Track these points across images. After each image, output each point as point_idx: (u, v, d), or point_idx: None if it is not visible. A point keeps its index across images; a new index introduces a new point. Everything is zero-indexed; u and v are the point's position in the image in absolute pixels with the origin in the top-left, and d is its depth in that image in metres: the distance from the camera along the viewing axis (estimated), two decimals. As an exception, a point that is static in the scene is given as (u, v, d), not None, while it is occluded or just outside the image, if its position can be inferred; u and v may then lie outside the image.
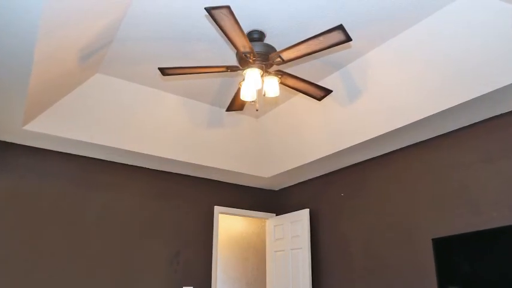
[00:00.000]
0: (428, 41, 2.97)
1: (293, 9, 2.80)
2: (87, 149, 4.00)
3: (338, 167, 4.58)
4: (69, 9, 2.30)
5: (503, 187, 3.12)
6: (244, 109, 3.80)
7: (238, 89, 3.19)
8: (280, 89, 3.53)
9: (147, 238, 4.37)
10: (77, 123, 3.71)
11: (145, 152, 4.07)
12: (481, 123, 3.35)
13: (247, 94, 2.96)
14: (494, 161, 3.21)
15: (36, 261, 3.71)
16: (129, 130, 3.96)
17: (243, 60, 2.87)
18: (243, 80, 2.97)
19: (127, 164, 4.44)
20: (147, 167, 4.54)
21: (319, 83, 3.73)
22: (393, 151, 4.05)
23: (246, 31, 2.99)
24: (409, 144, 3.88)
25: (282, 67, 3.48)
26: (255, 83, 2.89)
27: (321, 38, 2.56)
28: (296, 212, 4.90)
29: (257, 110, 3.29)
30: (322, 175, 4.84)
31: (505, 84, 2.77)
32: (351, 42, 3.02)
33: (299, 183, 5.18)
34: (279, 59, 2.83)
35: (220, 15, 2.36)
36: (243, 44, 2.67)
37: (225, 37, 2.87)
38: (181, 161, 4.32)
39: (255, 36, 3.02)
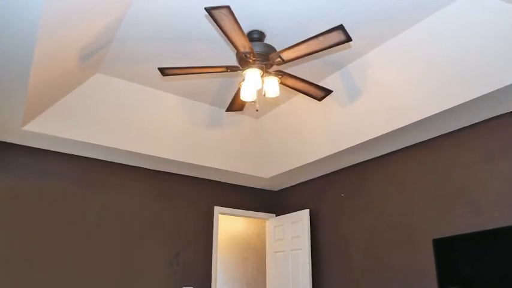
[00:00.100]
0: (429, 41, 2.96)
1: (293, 9, 2.79)
2: (87, 149, 4.00)
3: (338, 168, 4.58)
4: (69, 9, 2.30)
5: (504, 187, 3.11)
6: (244, 109, 3.80)
7: (238, 89, 3.19)
8: (280, 89, 3.53)
9: (147, 238, 4.36)
10: (77, 123, 3.71)
11: (145, 153, 4.07)
12: (482, 124, 3.35)
13: (247, 94, 2.96)
14: (495, 161, 3.21)
15: (36, 261, 3.71)
16: (129, 130, 3.95)
17: (243, 61, 2.87)
18: (243, 80, 2.96)
19: (127, 164, 4.44)
20: (146, 167, 4.54)
21: (319, 83, 3.72)
22: (393, 151, 4.04)
23: (246, 31, 2.98)
24: (409, 144, 3.88)
25: (282, 67, 3.48)
26: (255, 83, 2.88)
27: (321, 38, 2.56)
28: (296, 212, 4.90)
29: (257, 110, 3.29)
30: (322, 175, 4.84)
31: (506, 84, 2.76)
32: (351, 42, 3.02)
33: (299, 183, 5.18)
34: (279, 59, 2.83)
35: (220, 15, 2.36)
36: (243, 44, 2.67)
37: (225, 37, 2.87)
38: (181, 161, 4.32)
39: (255, 36, 3.02)
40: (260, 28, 3.01)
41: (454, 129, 3.52)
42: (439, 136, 3.65)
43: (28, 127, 3.52)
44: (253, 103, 3.08)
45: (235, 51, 3.08)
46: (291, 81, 3.12)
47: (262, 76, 2.94)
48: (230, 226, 6.30)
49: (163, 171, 4.67)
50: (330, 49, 2.96)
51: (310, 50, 2.68)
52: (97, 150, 4.03)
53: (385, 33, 3.07)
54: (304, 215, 4.76)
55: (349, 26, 2.94)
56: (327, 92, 3.24)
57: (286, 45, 3.09)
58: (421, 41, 3.00)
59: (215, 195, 4.99)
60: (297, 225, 4.83)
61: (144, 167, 4.53)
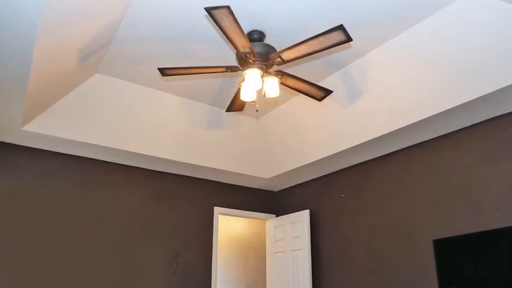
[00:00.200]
0: (429, 41, 2.96)
1: (293, 9, 2.79)
2: (87, 149, 3.99)
3: (338, 168, 4.57)
4: (68, 9, 2.30)
5: (505, 187, 3.11)
6: (244, 109, 3.79)
7: (238, 90, 3.18)
8: (280, 89, 3.52)
9: (147, 239, 4.35)
10: (76, 123, 3.70)
11: (144, 153, 4.06)
12: (482, 124, 3.34)
13: (247, 94, 2.95)
14: (496, 161, 3.20)
15: (35, 261, 3.70)
16: (128, 131, 3.95)
17: (243, 61, 2.86)
18: (243, 80, 2.96)
19: (127, 165, 4.43)
20: (146, 167, 4.53)
21: (319, 83, 3.72)
22: (394, 152, 4.04)
23: (246, 31, 2.98)
24: (409, 144, 3.87)
25: (282, 67, 3.47)
26: (255, 84, 2.88)
27: (321, 38, 2.55)
28: (296, 213, 4.89)
29: (257, 111, 3.28)
30: (323, 176, 4.83)
31: (506, 85, 2.76)
32: (351, 42, 3.01)
33: (299, 184, 5.17)
34: (279, 59, 2.82)
35: (220, 15, 2.35)
36: (243, 44, 2.66)
37: (225, 37, 2.86)
38: (181, 162, 4.31)
39: (255, 37, 3.01)
40: (260, 28, 3.00)
41: (455, 129, 3.52)
42: (440, 136, 3.64)
43: (27, 127, 3.52)
44: (253, 103, 3.08)
45: (235, 51, 3.08)
46: (291, 82, 3.11)
47: (262, 76, 2.94)
48: (230, 226, 6.30)
49: (163, 172, 4.66)
50: (330, 49, 2.95)
51: (310, 50, 2.68)
52: (97, 151, 4.02)
53: (385, 33, 3.07)
54: (304, 215, 4.75)
55: (349, 26, 2.93)
56: (327, 92, 3.23)
57: (286, 45, 3.08)
58: (422, 41, 3.00)
59: (215, 196, 4.99)
60: (297, 226, 4.82)
61: (144, 167, 4.52)
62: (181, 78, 3.75)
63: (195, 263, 4.59)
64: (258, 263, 6.29)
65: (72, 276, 3.84)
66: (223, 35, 2.89)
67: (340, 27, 2.44)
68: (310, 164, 4.36)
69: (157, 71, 3.41)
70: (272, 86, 3.01)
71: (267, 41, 3.10)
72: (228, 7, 2.29)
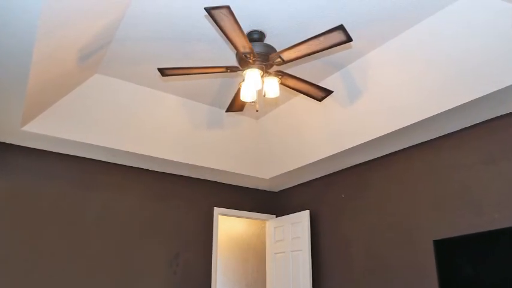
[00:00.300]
0: (429, 41, 2.95)
1: (293, 9, 2.78)
2: (86, 150, 3.98)
3: (338, 168, 4.56)
4: (68, 9, 2.29)
5: (505, 188, 3.10)
6: (244, 110, 3.79)
7: (238, 90, 3.18)
8: (280, 89, 3.52)
9: (147, 239, 4.35)
10: (76, 124, 3.69)
11: (144, 153, 4.06)
12: (483, 124, 3.34)
13: (247, 95, 2.95)
14: (496, 162, 3.19)
15: (35, 261, 3.70)
16: (128, 131, 3.94)
17: (243, 61, 2.86)
18: (243, 80, 2.95)
19: (126, 165, 4.43)
20: (146, 168, 4.53)
21: (319, 84, 3.71)
22: (394, 152, 4.03)
23: (246, 31, 2.97)
24: (410, 145, 3.86)
25: (282, 67, 3.47)
26: (255, 84, 2.87)
27: (321, 38, 2.54)
28: (296, 213, 4.88)
29: (257, 111, 3.27)
30: (323, 176, 4.82)
31: (507, 85, 2.75)
32: (351, 42, 3.00)
33: (299, 184, 5.16)
34: (279, 60, 2.82)
35: (220, 15, 2.35)
36: (243, 44, 2.66)
37: (225, 37, 2.86)
38: (180, 162, 4.31)
39: (255, 37, 3.01)
40: (260, 28, 2.99)
41: (455, 129, 3.51)
42: (440, 137, 3.64)
43: (27, 128, 3.51)
44: (253, 103, 3.07)
45: (235, 51, 3.07)
46: (291, 82, 3.11)
47: (262, 76, 2.93)
48: (230, 227, 6.29)
49: (163, 172, 4.66)
50: (330, 49, 2.94)
51: (310, 50, 2.67)
52: (96, 151, 4.02)
53: (385, 33, 3.06)
54: (304, 216, 4.75)
55: (349, 26, 2.93)
56: (328, 92, 3.22)
57: (286, 45, 3.07)
58: (422, 41, 2.99)
59: (215, 196, 4.98)
60: (297, 226, 4.81)
61: (144, 167, 4.52)
62: (181, 79, 3.75)
63: (195, 264, 4.58)
64: (258, 263, 6.29)
65: (72, 277, 3.83)
66: (223, 35, 2.89)
67: (340, 27, 2.44)
68: (310, 164, 4.36)
69: (157, 71, 3.41)
70: (272, 86, 3.01)
71: (267, 41, 3.10)
72: (228, 7, 2.29)
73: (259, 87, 2.89)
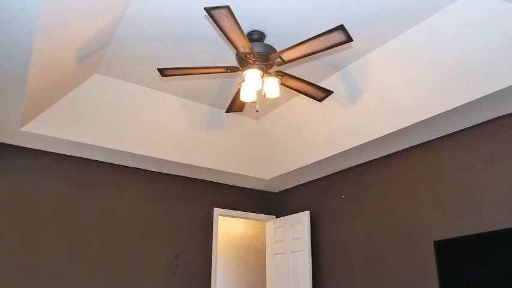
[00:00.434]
0: (430, 41, 2.94)
1: (293, 9, 2.77)
2: (86, 150, 3.97)
3: (339, 169, 4.55)
4: (67, 9, 2.28)
5: (506, 189, 3.09)
6: (244, 110, 3.78)
7: (238, 90, 3.17)
8: (280, 89, 3.50)
9: (146, 240, 4.33)
10: (75, 124, 3.68)
11: (144, 154, 4.04)
12: (484, 124, 3.33)
13: (247, 95, 2.94)
14: (497, 162, 3.18)
15: (34, 262, 3.68)
16: (128, 131, 3.93)
17: (243, 61, 2.85)
18: (243, 80, 2.94)
19: (126, 166, 4.42)
20: (146, 168, 4.52)
21: (319, 84, 3.70)
22: (394, 152, 4.02)
23: (246, 31, 2.96)
24: (410, 145, 3.85)
25: (282, 68, 3.46)
26: (255, 84, 2.86)
27: (321, 38, 2.54)
28: (296, 214, 4.87)
29: (257, 111, 3.26)
30: (323, 177, 4.81)
31: (508, 85, 2.74)
32: (351, 42, 2.99)
33: (299, 185, 5.15)
34: (279, 60, 2.81)
35: (220, 15, 2.34)
36: (243, 45, 2.65)
37: (225, 37, 2.85)
38: (180, 163, 4.30)
39: (255, 37, 3.00)
40: (260, 28, 2.98)
41: (456, 130, 3.50)
42: (441, 137, 3.63)
43: (26, 128, 3.50)
44: (253, 104, 3.06)
45: (235, 51, 3.06)
46: (291, 82, 3.10)
47: (262, 77, 2.92)
48: (230, 228, 6.28)
49: (163, 173, 4.65)
50: (330, 49, 2.94)
51: (310, 51, 2.66)
52: (96, 152, 4.01)
53: (386, 33, 3.05)
54: (304, 216, 4.74)
55: (350, 26, 2.92)
56: (328, 92, 3.21)
57: (286, 45, 3.07)
58: (423, 41, 2.98)
59: (215, 197, 4.97)
60: (297, 227, 4.80)
61: (143, 168, 4.51)
62: (180, 79, 3.74)
63: (194, 265, 4.57)
64: (258, 264, 6.28)
65: (71, 278, 3.82)
66: (223, 35, 2.88)
67: (341, 27, 2.43)
68: (311, 164, 4.35)
69: (157, 71, 3.40)
70: (272, 86, 3.00)
71: (267, 41, 3.09)
72: (228, 7, 2.28)
73: (259, 88, 2.88)
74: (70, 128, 3.67)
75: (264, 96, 3.01)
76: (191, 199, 4.78)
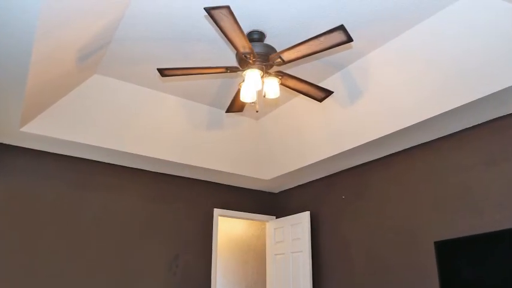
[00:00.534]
0: (430, 41, 2.94)
1: (293, 9, 2.77)
2: (85, 150, 3.97)
3: (339, 169, 4.55)
4: (67, 9, 2.28)
5: (506, 189, 3.09)
6: (244, 110, 3.77)
7: (238, 90, 3.16)
8: (280, 90, 3.50)
9: (146, 241, 4.33)
10: (75, 124, 3.68)
11: (144, 154, 4.04)
12: (484, 125, 3.32)
13: (247, 95, 2.93)
14: (498, 162, 3.18)
15: (34, 262, 3.68)
16: (127, 132, 3.92)
17: (243, 61, 2.84)
18: (243, 81, 2.94)
19: (125, 166, 4.41)
20: (145, 169, 4.51)
21: (320, 84, 3.70)
22: (395, 153, 4.02)
23: (246, 31, 2.96)
24: (411, 145, 3.85)
25: (282, 68, 3.46)
26: (255, 84, 2.86)
27: (321, 38, 2.53)
28: (296, 214, 4.87)
29: (257, 112, 3.26)
30: (323, 177, 4.81)
31: (508, 85, 2.74)
32: (352, 42, 2.99)
33: (299, 185, 5.15)
34: (279, 60, 2.80)
35: (220, 15, 2.34)
36: (243, 45, 2.64)
37: (225, 38, 2.85)
38: (180, 163, 4.29)
39: (255, 37, 2.99)
40: (260, 28, 2.98)
41: (456, 130, 3.50)
42: (441, 137, 3.63)
43: (26, 128, 3.49)
44: (253, 104, 3.06)
45: (235, 51, 3.06)
46: (291, 82, 3.09)
47: (262, 77, 2.92)
48: (230, 228, 6.27)
49: (163, 173, 4.64)
50: (330, 49, 2.93)
51: (310, 51, 2.66)
52: (95, 152, 4.00)
53: (386, 33, 3.05)
54: (304, 217, 4.73)
55: (350, 26, 2.92)
56: (328, 92, 3.21)
57: (286, 45, 3.06)
58: (423, 42, 2.98)
59: (215, 197, 4.96)
60: (297, 228, 4.80)
61: (143, 168, 4.50)
62: (180, 79, 3.74)
63: (194, 265, 4.57)
64: (258, 265, 6.27)
65: (70, 278, 3.81)
66: (223, 35, 2.87)
67: (341, 28, 2.43)
68: (311, 165, 4.34)
69: (157, 71, 3.40)
70: (272, 86, 2.99)
71: (267, 41, 3.09)
72: (227, 7, 2.28)
73: (259, 88, 2.88)
74: (70, 128, 3.67)
75: (264, 96, 3.01)
76: (191, 199, 4.77)
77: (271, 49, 2.88)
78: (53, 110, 3.53)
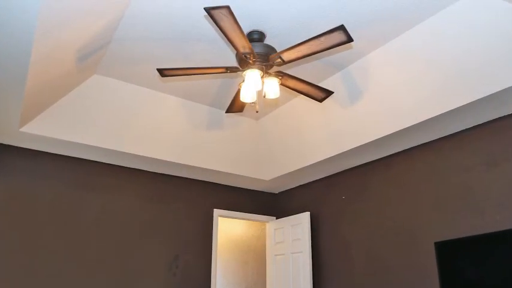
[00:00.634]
0: (431, 41, 2.94)
1: (294, 9, 2.77)
2: (85, 151, 3.96)
3: (339, 170, 4.54)
4: (66, 9, 2.27)
5: (507, 189, 3.08)
6: (244, 111, 3.77)
7: (238, 90, 3.16)
8: (280, 90, 3.49)
9: (146, 241, 4.32)
10: (75, 125, 3.67)
11: (143, 154, 4.03)
12: (485, 125, 3.32)
13: (247, 95, 2.93)
14: (498, 163, 3.18)
15: (33, 263, 3.67)
16: (127, 132, 3.92)
17: (243, 61, 2.84)
18: (243, 81, 2.94)
19: (125, 166, 4.41)
20: (145, 169, 4.51)
21: (320, 84, 3.69)
22: (395, 153, 4.01)
23: (246, 31, 2.96)
24: (411, 146, 3.84)
25: (282, 68, 3.45)
26: (255, 84, 2.86)
27: (322, 38, 2.53)
28: (296, 215, 4.86)
29: (257, 112, 3.26)
30: (323, 178, 4.80)
31: (509, 85, 2.73)
32: (352, 42, 2.99)
33: (300, 185, 5.14)
34: (279, 60, 2.80)
35: (220, 15, 2.33)
36: (243, 45, 2.64)
37: (225, 38, 2.84)
38: (180, 163, 4.29)
39: (255, 37, 2.99)
40: (260, 28, 2.98)
41: (456, 130, 3.49)
42: (441, 138, 3.62)
43: (25, 129, 3.49)
44: (253, 104, 3.05)
45: (235, 51, 3.05)
46: (291, 82, 3.09)
47: (262, 77, 2.91)
48: (230, 229, 6.27)
49: (162, 173, 4.64)
50: (331, 50, 2.93)
51: (310, 51, 2.66)
52: (95, 152, 4.00)
53: (386, 33, 3.04)
54: (304, 217, 4.72)
55: (350, 26, 2.91)
56: (328, 93, 3.21)
57: (286, 45, 3.06)
58: (423, 42, 2.97)
59: (214, 198, 4.96)
60: (297, 228, 4.79)
61: (143, 169, 4.50)
62: (180, 79, 3.73)
63: (194, 266, 4.56)
64: (258, 265, 6.26)
65: (70, 278, 3.81)
66: (223, 35, 2.87)
67: (341, 28, 2.42)
68: (311, 165, 4.34)
69: (156, 71, 3.40)
70: (272, 86, 2.99)
71: (267, 41, 3.08)
72: (227, 7, 2.27)
73: (259, 88, 2.87)
74: (69, 128, 3.66)
75: (264, 96, 3.00)
76: (191, 200, 4.77)
77: (271, 49, 2.88)
78: (53, 110, 3.53)
